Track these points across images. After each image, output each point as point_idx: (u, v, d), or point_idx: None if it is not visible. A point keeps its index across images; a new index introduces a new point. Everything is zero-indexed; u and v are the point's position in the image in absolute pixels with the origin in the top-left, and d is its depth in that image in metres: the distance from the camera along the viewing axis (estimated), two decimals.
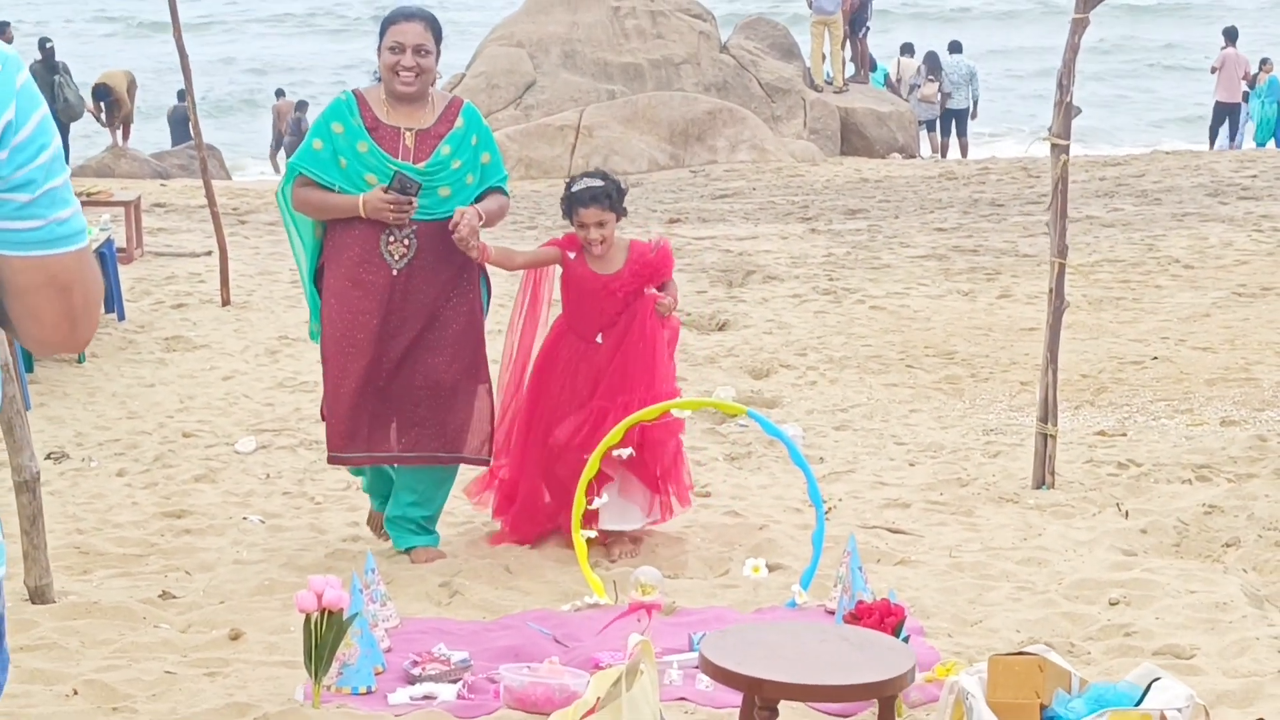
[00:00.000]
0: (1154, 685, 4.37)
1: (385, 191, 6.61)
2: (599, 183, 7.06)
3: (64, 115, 24.97)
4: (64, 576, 6.71)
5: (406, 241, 6.73)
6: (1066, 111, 7.98)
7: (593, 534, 6.76)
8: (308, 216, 6.89)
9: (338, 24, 57.25)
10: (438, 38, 6.88)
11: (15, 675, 5.54)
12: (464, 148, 6.86)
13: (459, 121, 6.91)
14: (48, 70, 24.66)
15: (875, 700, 4.17)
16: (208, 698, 5.37)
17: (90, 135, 28.37)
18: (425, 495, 7.09)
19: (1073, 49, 7.96)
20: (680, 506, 7.29)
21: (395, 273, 6.75)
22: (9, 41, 25.07)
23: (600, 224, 6.97)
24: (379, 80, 6.94)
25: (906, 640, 5.19)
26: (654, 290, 7.07)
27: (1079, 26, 7.93)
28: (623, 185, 7.15)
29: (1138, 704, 4.30)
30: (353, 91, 6.97)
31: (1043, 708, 4.34)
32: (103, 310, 10.67)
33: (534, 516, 7.23)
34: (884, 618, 4.94)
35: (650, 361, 7.05)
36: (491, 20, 31.69)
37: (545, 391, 7.16)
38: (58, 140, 2.60)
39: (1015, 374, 11.10)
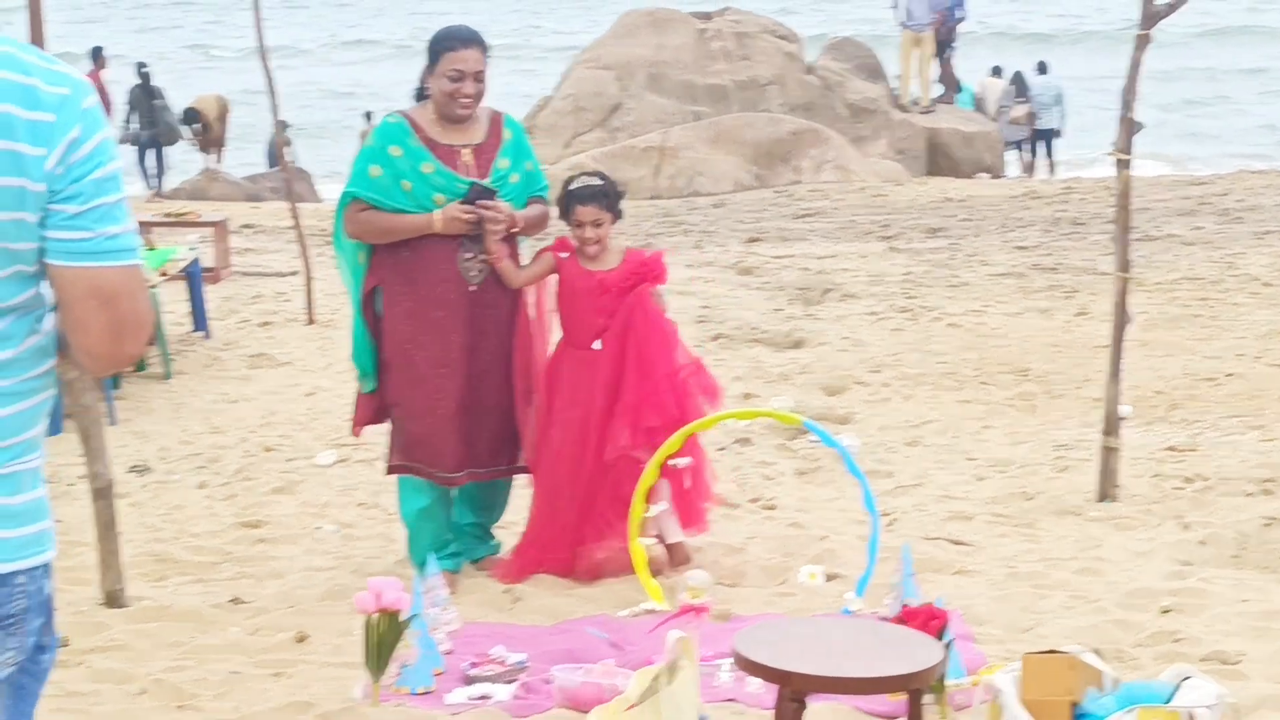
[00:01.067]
0: (1184, 684, 4.45)
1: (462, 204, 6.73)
2: (597, 181, 7.04)
3: (164, 139, 25.45)
4: (140, 583, 6.92)
5: (482, 257, 6.85)
6: (1129, 127, 8.04)
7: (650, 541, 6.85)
8: (368, 241, 6.91)
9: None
10: (487, 58, 6.94)
11: (86, 674, 5.75)
12: (518, 160, 6.99)
13: (507, 134, 7.02)
14: (147, 95, 25.13)
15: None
16: (270, 697, 5.56)
17: (187, 159, 28.74)
18: (490, 503, 7.23)
19: (1135, 65, 8.02)
20: (691, 526, 7.20)
21: (473, 289, 6.85)
22: (103, 67, 25.57)
23: (596, 223, 6.93)
24: (419, 99, 7.01)
25: (950, 643, 5.29)
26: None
27: (1142, 43, 7.99)
28: (620, 188, 7.10)
29: (1167, 702, 4.38)
30: (401, 114, 6.98)
31: (1074, 705, 4.44)
32: (152, 331, 10.95)
33: (541, 540, 7.11)
34: (928, 621, 5.03)
35: (664, 349, 7.06)
36: (580, 43, 31.92)
37: (552, 410, 7.04)
38: (117, 162, 2.82)
39: (1089, 390, 11.11)
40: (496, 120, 7.05)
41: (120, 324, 2.82)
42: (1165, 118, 36.23)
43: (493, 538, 7.31)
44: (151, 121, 25.23)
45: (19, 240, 2.74)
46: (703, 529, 7.25)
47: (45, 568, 2.87)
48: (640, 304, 7.01)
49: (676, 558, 7.04)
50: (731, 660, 5.57)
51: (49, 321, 2.85)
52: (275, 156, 27.38)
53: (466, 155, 6.89)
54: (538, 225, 7.08)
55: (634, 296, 6.98)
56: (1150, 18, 7.94)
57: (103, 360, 2.90)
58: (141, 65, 25.92)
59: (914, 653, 4.26)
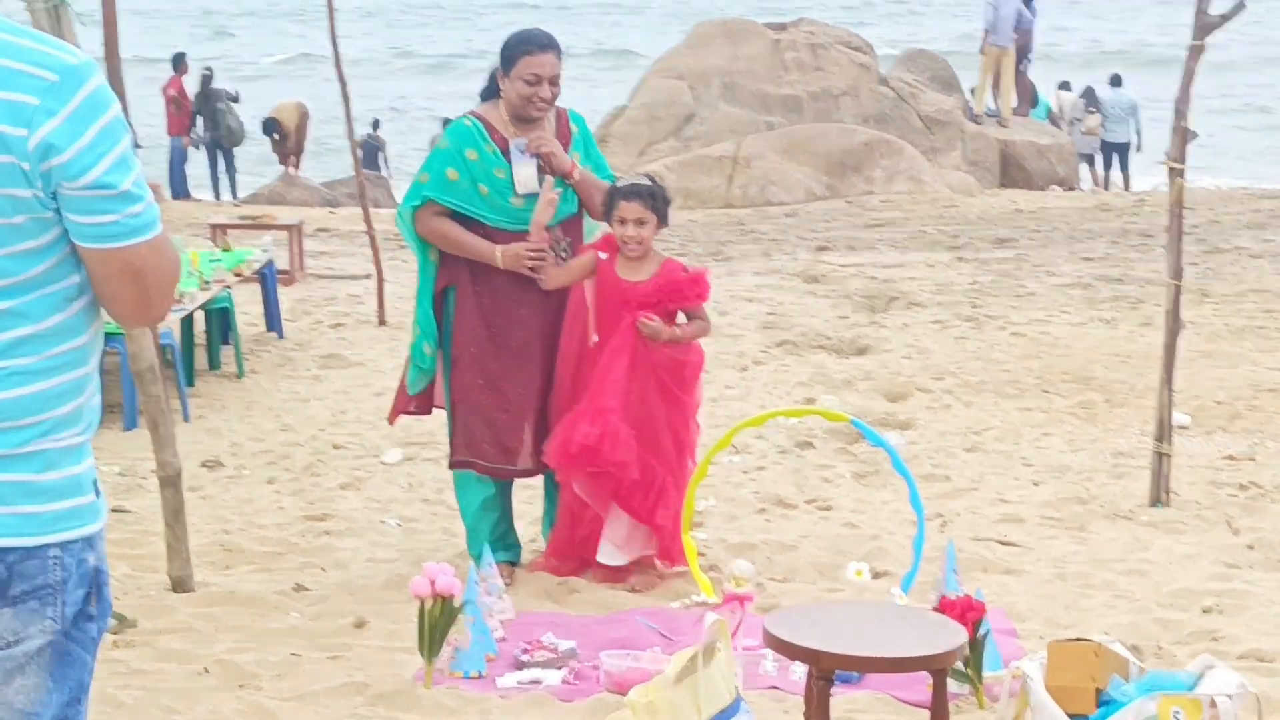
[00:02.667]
0: (1208, 673, 4.57)
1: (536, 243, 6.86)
2: (646, 182, 6.99)
3: (226, 140, 25.79)
4: (206, 570, 7.13)
5: (561, 254, 7.00)
6: (1183, 136, 8.14)
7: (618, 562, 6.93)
8: (437, 246, 7.05)
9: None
10: (562, 63, 7.04)
11: (151, 654, 5.96)
12: (587, 154, 7.12)
13: (573, 128, 7.15)
14: (207, 99, 25.46)
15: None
16: (327, 678, 5.76)
17: (261, 164, 29.10)
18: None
19: (1189, 75, 8.12)
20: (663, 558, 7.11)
21: (545, 289, 6.98)
22: (185, 74, 25.95)
23: (640, 221, 6.82)
24: (485, 99, 7.12)
25: (987, 634, 5.42)
26: (682, 317, 6.96)
27: (1196, 53, 8.09)
28: (669, 196, 7.01)
29: (1191, 690, 4.50)
30: (473, 115, 7.07)
31: (1099, 692, 4.56)
32: (178, 290, 11.18)
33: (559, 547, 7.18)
34: (965, 612, 5.15)
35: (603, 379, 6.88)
36: (655, 52, 32.09)
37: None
38: (127, 142, 2.95)
39: (1151, 399, 11.09)
40: (562, 116, 7.16)
41: (150, 292, 3.00)
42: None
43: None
44: (214, 124, 25.60)
45: (14, 215, 2.86)
46: (679, 561, 7.06)
47: (86, 541, 2.99)
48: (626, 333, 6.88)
49: (600, 574, 7.05)
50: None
51: (81, 302, 2.98)
52: (368, 163, 27.74)
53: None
54: (598, 192, 7.06)
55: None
56: (1203, 28, 8.03)
57: (138, 323, 3.15)
58: (205, 69, 26.28)
59: (938, 635, 4.42)
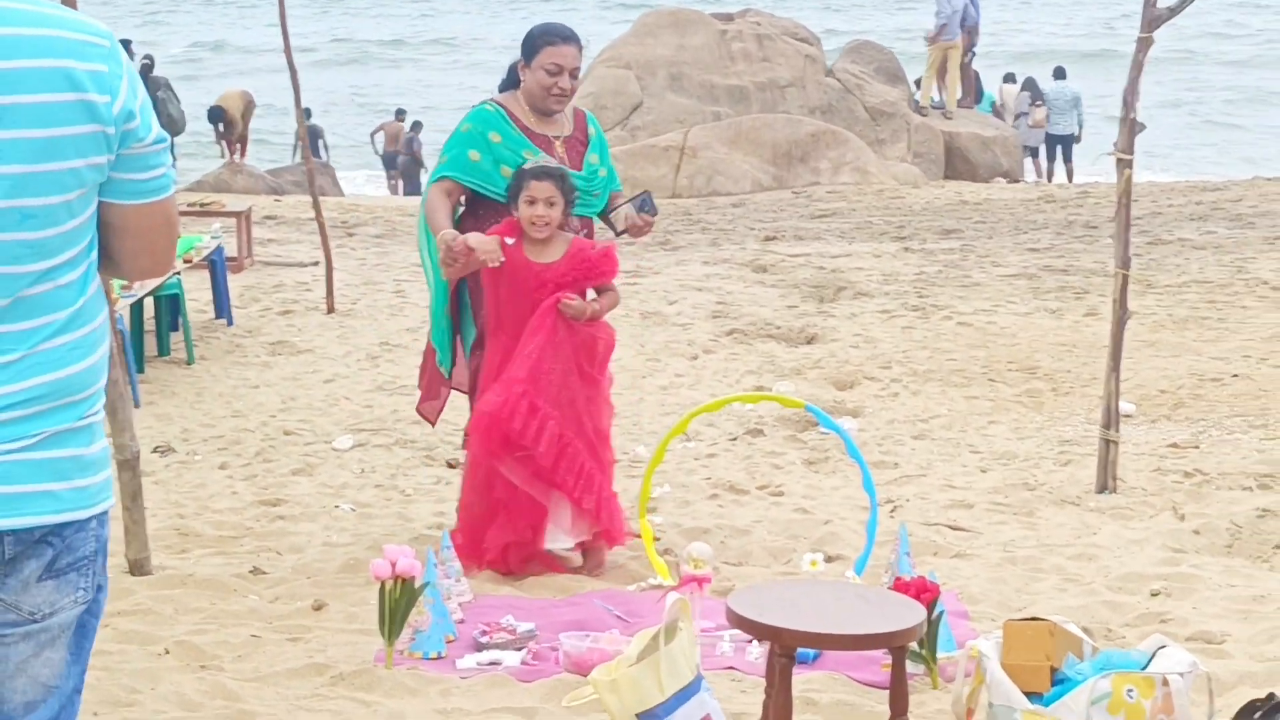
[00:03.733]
0: (1160, 652, 4.66)
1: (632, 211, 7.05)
2: (554, 164, 6.91)
3: (168, 129, 25.73)
4: (163, 554, 7.15)
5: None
6: (1131, 128, 8.24)
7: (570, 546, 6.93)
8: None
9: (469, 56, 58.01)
10: (582, 55, 7.19)
11: (112, 635, 5.98)
12: (604, 157, 7.25)
13: (591, 130, 7.29)
14: (148, 87, 25.36)
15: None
16: (289, 659, 5.80)
17: (205, 153, 29.06)
18: None
19: (1138, 67, 8.22)
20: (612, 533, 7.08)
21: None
22: (130, 58, 25.87)
23: (550, 201, 6.75)
24: (504, 90, 7.24)
25: (941, 615, 5.50)
26: (592, 294, 6.92)
27: (1143, 46, 8.19)
28: (574, 184, 6.93)
29: (1143, 669, 4.59)
30: (495, 101, 7.18)
31: (1053, 670, 4.65)
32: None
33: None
34: (920, 593, 5.22)
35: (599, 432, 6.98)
36: (601, 41, 32.17)
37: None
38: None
39: (1096, 388, 11.25)
40: (580, 116, 7.31)
41: (174, 239, 3.17)
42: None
43: None
44: (155, 112, 25.50)
45: (74, 189, 2.93)
46: (620, 541, 7.14)
47: (108, 513, 3.09)
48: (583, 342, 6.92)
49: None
50: (732, 631, 5.82)
51: (97, 276, 3.06)
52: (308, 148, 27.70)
53: (559, 147, 7.10)
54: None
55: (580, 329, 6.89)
56: (1152, 21, 8.13)
57: (160, 272, 3.28)
58: (146, 57, 26.19)
59: (897, 613, 4.50)
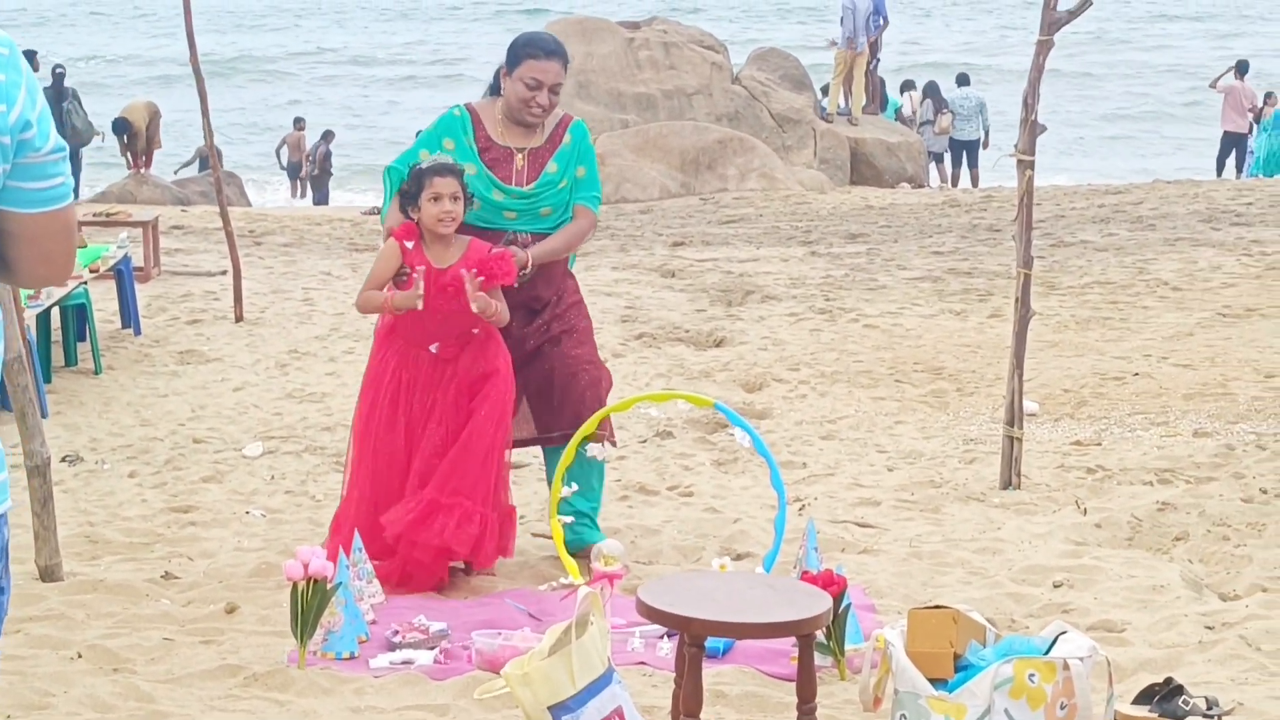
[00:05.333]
0: (1060, 638, 4.77)
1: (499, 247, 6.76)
2: (450, 159, 6.76)
3: (72, 140, 25.49)
4: (73, 561, 7.14)
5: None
6: (1032, 129, 8.38)
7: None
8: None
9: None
10: (566, 71, 7.04)
11: (24, 641, 5.99)
12: (570, 166, 7.05)
13: (566, 139, 7.09)
14: (58, 97, 25.18)
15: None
16: (202, 661, 5.83)
17: (112, 164, 28.85)
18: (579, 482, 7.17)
19: (1037, 69, 8.36)
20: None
21: (518, 286, 6.93)
22: (35, 70, 25.63)
23: (455, 197, 6.60)
24: (489, 95, 7.12)
25: (848, 608, 5.60)
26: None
27: (1043, 49, 8.33)
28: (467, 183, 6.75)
29: (1045, 654, 4.70)
30: (466, 107, 7.10)
31: (956, 657, 4.74)
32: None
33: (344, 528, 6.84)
34: (826, 586, 5.30)
35: (487, 451, 6.78)
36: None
37: (376, 410, 6.88)
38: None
39: (1000, 388, 11.38)
40: (562, 125, 7.13)
41: (73, 248, 3.12)
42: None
43: (595, 526, 7.29)
44: (61, 124, 25.28)
45: None
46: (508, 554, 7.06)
47: (6, 516, 3.07)
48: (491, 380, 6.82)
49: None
50: (643, 627, 5.89)
51: None
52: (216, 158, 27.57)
53: (520, 159, 7.00)
54: (566, 246, 7.10)
55: (488, 354, 6.82)
56: (1052, 24, 8.27)
57: (61, 279, 3.22)
58: (57, 67, 25.98)
59: (804, 602, 4.59)
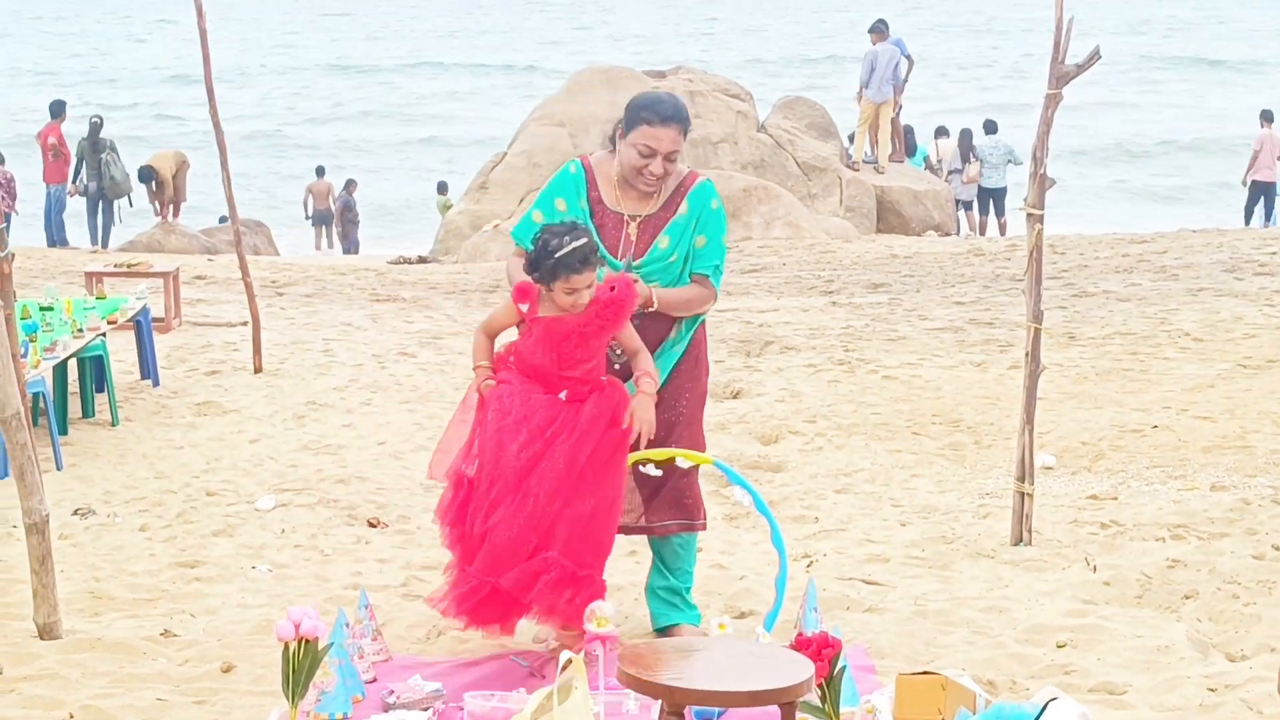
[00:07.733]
0: (1050, 704, 4.71)
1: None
2: (582, 239, 6.33)
3: (110, 192, 25.64)
4: (75, 618, 7.14)
5: None
6: (1041, 183, 8.34)
7: None
8: None
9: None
10: (686, 136, 6.59)
11: (17, 701, 5.97)
12: (685, 238, 6.61)
13: (683, 207, 6.61)
14: (94, 149, 25.33)
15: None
16: None
17: (143, 213, 28.99)
18: (671, 564, 7.00)
19: (1046, 123, 8.33)
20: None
21: (617, 366, 6.66)
22: (63, 120, 25.79)
23: (589, 286, 6.32)
24: (610, 150, 6.68)
25: (844, 670, 5.54)
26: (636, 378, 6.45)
27: (1051, 102, 8.30)
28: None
29: None
30: (582, 162, 6.72)
31: None
32: (50, 338, 11.18)
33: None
34: (821, 649, 5.26)
35: (609, 466, 6.46)
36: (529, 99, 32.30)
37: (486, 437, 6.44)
38: None
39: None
40: (682, 189, 6.67)
41: None
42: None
43: (690, 605, 7.00)
44: (99, 175, 25.44)
45: None
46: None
47: None
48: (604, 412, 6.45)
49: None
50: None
51: None
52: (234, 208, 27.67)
53: (632, 228, 6.63)
54: (676, 307, 6.63)
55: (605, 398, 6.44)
56: (1061, 78, 8.25)
57: None
58: (94, 118, 26.12)
59: (786, 670, 4.54)
